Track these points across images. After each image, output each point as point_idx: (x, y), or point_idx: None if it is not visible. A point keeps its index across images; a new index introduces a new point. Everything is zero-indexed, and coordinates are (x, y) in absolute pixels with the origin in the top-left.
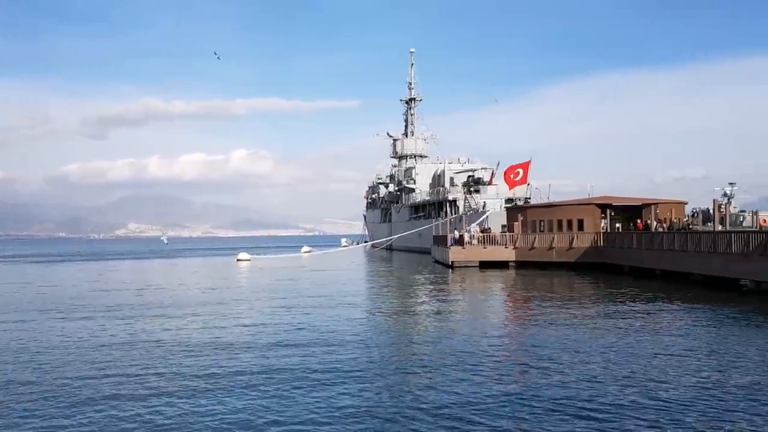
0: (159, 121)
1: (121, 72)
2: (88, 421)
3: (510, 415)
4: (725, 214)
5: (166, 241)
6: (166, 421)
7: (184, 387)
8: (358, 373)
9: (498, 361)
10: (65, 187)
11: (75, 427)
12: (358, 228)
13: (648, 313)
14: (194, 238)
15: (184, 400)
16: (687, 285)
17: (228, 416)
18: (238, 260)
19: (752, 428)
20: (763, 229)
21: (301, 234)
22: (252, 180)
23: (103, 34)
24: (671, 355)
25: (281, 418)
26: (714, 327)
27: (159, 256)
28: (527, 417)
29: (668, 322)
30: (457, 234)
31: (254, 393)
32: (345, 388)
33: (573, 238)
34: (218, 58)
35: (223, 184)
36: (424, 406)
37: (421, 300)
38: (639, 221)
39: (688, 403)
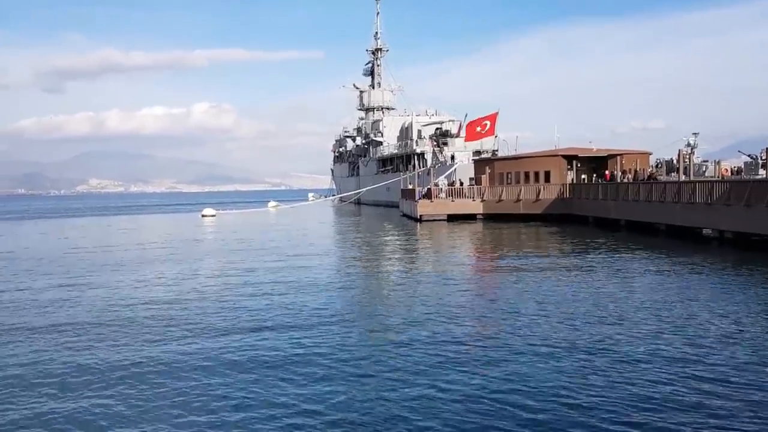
0: (117, 73)
1: (74, 22)
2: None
3: (483, 362)
4: (689, 164)
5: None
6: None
7: (155, 348)
8: (328, 327)
9: (470, 314)
10: (22, 143)
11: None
12: (326, 182)
13: (612, 262)
14: (158, 193)
15: (155, 362)
16: (651, 235)
17: (198, 377)
18: (203, 216)
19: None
20: (726, 178)
21: (268, 188)
22: (215, 134)
23: None
24: (634, 301)
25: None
26: (678, 275)
27: (123, 213)
28: (498, 364)
29: (632, 270)
30: (425, 188)
31: (224, 347)
32: (314, 342)
33: (540, 190)
34: None
35: (186, 138)
36: (396, 360)
37: (389, 254)
38: (606, 172)
39: (652, 349)
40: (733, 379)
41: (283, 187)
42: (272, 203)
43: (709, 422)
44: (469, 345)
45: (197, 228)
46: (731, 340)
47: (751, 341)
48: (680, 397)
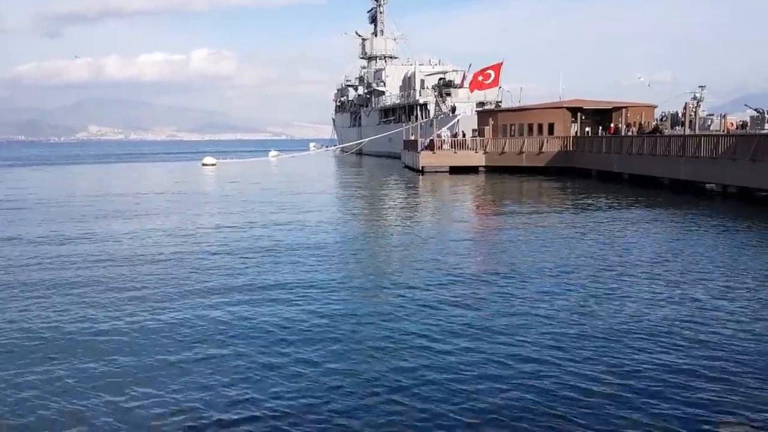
0: (116, 18)
1: None
2: (57, 326)
3: (483, 310)
4: (694, 118)
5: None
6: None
7: (154, 296)
8: (326, 282)
9: (468, 263)
10: (21, 89)
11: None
12: (327, 132)
13: (613, 217)
14: (158, 141)
15: (155, 309)
16: (655, 189)
17: (198, 327)
18: (203, 165)
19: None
20: (731, 132)
21: (269, 138)
22: (216, 81)
23: None
24: (633, 256)
25: (251, 328)
26: (679, 230)
27: (123, 161)
28: (497, 313)
29: (633, 225)
30: (427, 139)
31: (224, 303)
32: (315, 296)
33: (543, 143)
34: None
35: (186, 86)
36: (392, 315)
37: (390, 207)
38: (611, 125)
39: (647, 304)
40: (728, 333)
41: (284, 137)
42: (273, 153)
43: (698, 380)
44: (466, 301)
45: (197, 177)
46: (729, 295)
47: (748, 296)
48: (672, 350)
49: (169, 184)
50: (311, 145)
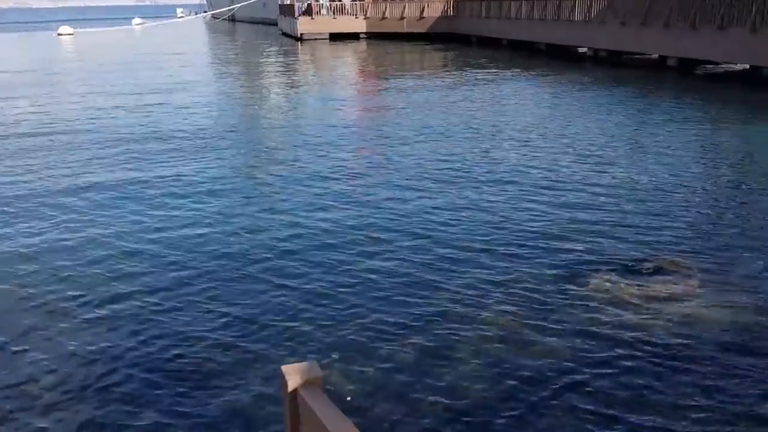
0: None
1: None
2: None
3: (370, 184)
4: None
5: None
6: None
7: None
8: (205, 156)
9: (354, 136)
10: None
11: None
12: None
13: (490, 83)
14: (3, 9)
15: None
16: (532, 54)
17: (65, 220)
18: (59, 35)
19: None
20: None
21: (130, 4)
22: None
23: None
24: (509, 120)
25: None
26: (551, 94)
27: None
28: (384, 184)
29: (509, 89)
30: (304, 3)
31: (96, 196)
32: (193, 170)
33: (424, 8)
34: None
35: None
36: (272, 188)
37: (268, 78)
38: None
39: (522, 163)
40: (585, 190)
41: (148, 2)
42: (137, 20)
43: (564, 241)
44: (345, 173)
45: (53, 50)
46: (588, 157)
47: (613, 150)
48: (538, 213)
49: (20, 57)
50: (178, 11)
